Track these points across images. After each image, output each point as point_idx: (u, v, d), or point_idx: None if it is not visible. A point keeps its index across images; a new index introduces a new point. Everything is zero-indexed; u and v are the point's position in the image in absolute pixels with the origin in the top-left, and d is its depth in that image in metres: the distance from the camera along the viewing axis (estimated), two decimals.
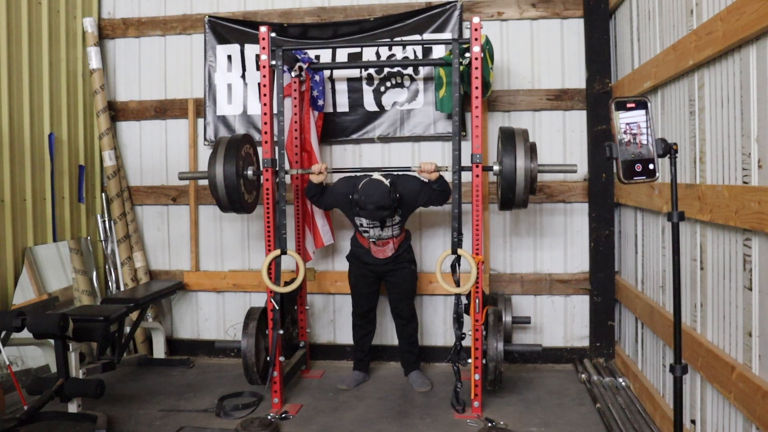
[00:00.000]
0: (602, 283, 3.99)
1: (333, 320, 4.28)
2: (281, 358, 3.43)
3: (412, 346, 3.72)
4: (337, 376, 3.71)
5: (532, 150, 3.16)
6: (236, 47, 4.23)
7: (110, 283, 4.30)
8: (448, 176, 3.32)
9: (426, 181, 3.39)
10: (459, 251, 3.21)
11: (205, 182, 4.34)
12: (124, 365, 4.00)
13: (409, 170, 3.45)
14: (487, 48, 3.44)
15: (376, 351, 4.17)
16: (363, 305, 3.70)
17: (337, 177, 3.68)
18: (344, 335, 4.22)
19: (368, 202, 3.22)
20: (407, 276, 3.63)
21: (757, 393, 1.95)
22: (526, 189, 3.15)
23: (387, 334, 4.21)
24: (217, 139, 3.53)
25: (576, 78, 4.05)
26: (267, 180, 3.35)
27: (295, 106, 3.73)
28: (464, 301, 3.28)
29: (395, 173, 3.47)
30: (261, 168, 3.45)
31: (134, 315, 3.91)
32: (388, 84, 4.09)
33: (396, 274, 3.61)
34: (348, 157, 4.18)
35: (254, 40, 4.00)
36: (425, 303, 4.20)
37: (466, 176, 3.49)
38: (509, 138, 3.18)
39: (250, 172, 3.47)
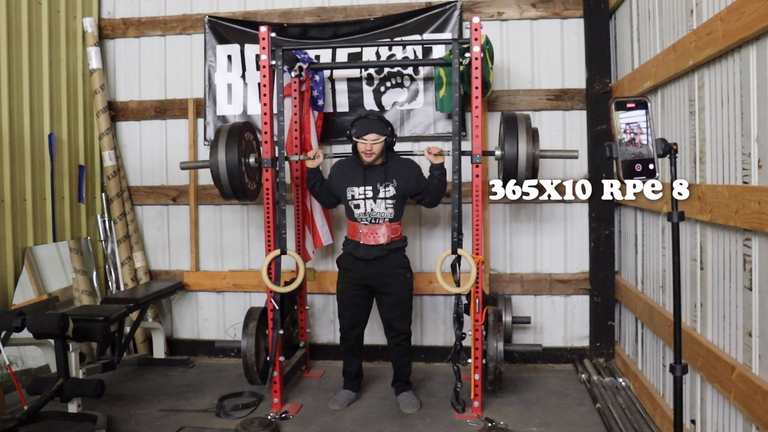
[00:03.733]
0: (602, 283, 3.99)
1: (333, 320, 4.27)
2: (281, 358, 3.43)
3: (405, 368, 3.45)
4: (337, 376, 3.71)
5: (534, 135, 3.15)
6: (236, 47, 4.23)
7: (110, 283, 4.30)
8: (449, 165, 3.29)
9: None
10: (459, 251, 3.20)
11: (205, 182, 4.36)
12: (124, 365, 4.00)
13: (412, 154, 3.43)
14: (487, 48, 3.44)
15: (375, 351, 4.18)
16: (346, 316, 3.39)
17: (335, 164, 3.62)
18: None
19: (366, 114, 3.36)
20: (402, 283, 3.32)
21: (757, 393, 1.95)
22: (528, 173, 3.13)
23: None
24: (218, 128, 3.48)
25: (576, 78, 4.05)
26: (267, 180, 3.35)
27: (295, 106, 3.73)
28: (464, 301, 3.27)
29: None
30: (262, 155, 3.42)
31: (134, 315, 3.91)
32: (388, 84, 4.09)
33: (389, 283, 3.30)
34: None
35: (254, 40, 4.00)
36: (425, 303, 4.20)
37: (466, 177, 3.49)
38: (512, 123, 3.17)
39: (252, 160, 3.41)
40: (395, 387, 3.48)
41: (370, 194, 3.27)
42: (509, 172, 3.16)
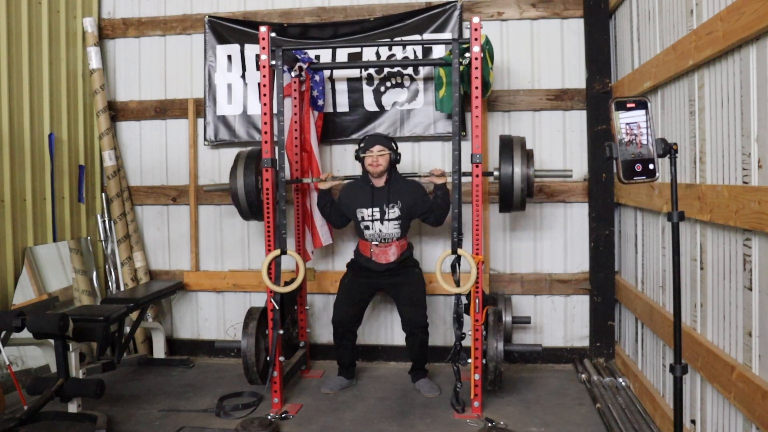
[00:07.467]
0: (602, 283, 3.99)
1: None
2: (281, 358, 3.43)
3: (423, 358, 3.61)
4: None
5: (528, 157, 3.35)
6: (236, 47, 4.23)
7: (110, 283, 4.30)
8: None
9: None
10: (459, 251, 3.21)
11: (205, 182, 4.37)
12: (124, 365, 4.00)
13: (416, 176, 3.62)
14: (487, 48, 3.44)
15: (375, 351, 4.18)
16: (345, 305, 3.55)
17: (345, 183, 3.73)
18: None
19: (372, 134, 3.61)
20: (415, 278, 3.56)
21: (757, 393, 1.95)
22: (523, 193, 3.35)
23: (387, 333, 4.22)
24: (237, 154, 3.69)
25: (576, 78, 4.05)
26: (267, 180, 3.36)
27: (295, 106, 3.73)
28: (464, 301, 3.28)
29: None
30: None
31: (134, 315, 3.91)
32: (388, 84, 4.09)
33: (402, 281, 3.53)
34: (348, 157, 4.18)
35: (254, 40, 4.00)
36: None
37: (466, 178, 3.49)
38: (507, 145, 3.36)
39: None
40: (412, 375, 3.66)
41: (378, 215, 3.48)
42: (506, 191, 3.36)
